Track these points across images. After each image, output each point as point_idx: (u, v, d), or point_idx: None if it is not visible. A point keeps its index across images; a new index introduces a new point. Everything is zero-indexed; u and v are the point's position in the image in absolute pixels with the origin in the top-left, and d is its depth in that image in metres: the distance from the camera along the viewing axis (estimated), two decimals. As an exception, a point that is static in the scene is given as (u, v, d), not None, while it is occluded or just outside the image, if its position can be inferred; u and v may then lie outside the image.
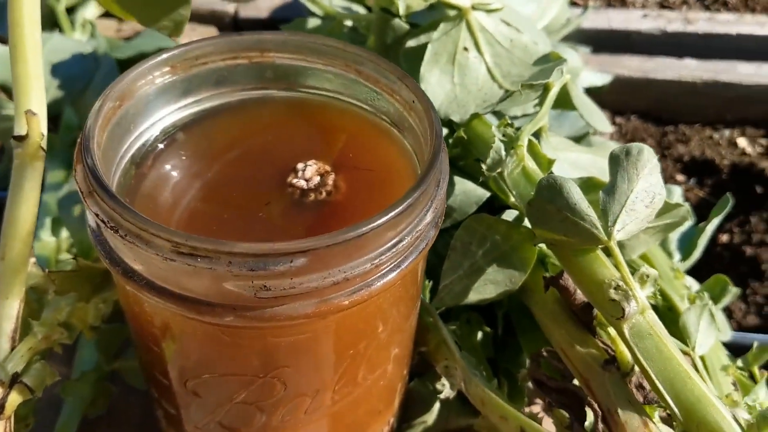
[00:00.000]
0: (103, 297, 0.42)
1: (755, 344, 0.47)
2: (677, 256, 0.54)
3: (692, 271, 0.54)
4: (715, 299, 0.49)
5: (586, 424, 0.38)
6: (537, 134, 0.47)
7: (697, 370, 0.41)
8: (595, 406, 0.37)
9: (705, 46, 0.81)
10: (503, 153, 0.42)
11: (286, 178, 0.37)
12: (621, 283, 0.36)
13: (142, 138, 0.38)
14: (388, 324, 0.35)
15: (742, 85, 0.78)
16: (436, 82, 0.48)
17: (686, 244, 0.54)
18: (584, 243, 0.37)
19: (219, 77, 0.40)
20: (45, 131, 0.37)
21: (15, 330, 0.36)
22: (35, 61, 0.38)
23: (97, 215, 0.30)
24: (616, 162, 0.38)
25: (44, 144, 0.37)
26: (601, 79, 0.73)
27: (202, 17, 0.85)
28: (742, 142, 0.79)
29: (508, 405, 0.39)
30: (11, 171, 0.37)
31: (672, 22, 0.83)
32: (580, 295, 0.40)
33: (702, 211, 0.64)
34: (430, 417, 0.46)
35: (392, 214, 0.29)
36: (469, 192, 0.46)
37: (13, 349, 0.36)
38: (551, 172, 0.43)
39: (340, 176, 0.37)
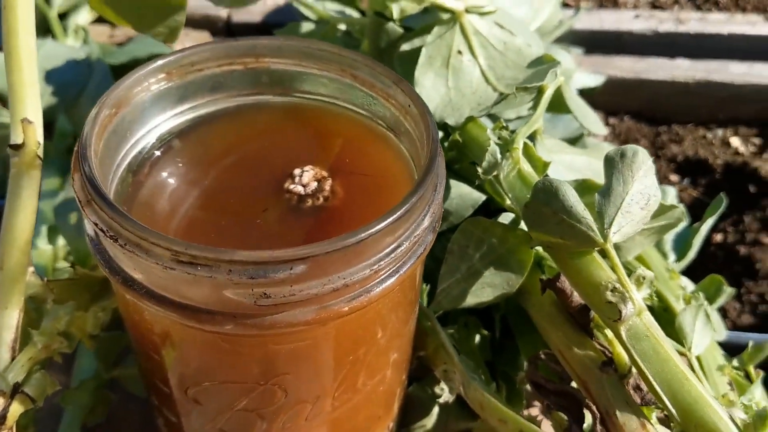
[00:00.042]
0: (101, 305, 0.42)
1: (750, 344, 0.47)
2: (672, 256, 0.54)
3: (687, 271, 0.55)
4: (711, 299, 0.49)
5: (585, 426, 0.38)
6: (532, 137, 0.47)
7: (693, 370, 0.41)
8: (594, 408, 0.37)
9: (697, 46, 0.82)
10: (499, 156, 0.42)
11: (283, 183, 0.37)
12: (617, 285, 0.36)
13: (138, 145, 0.38)
14: (387, 329, 0.35)
15: (735, 84, 0.78)
16: (431, 86, 0.48)
17: (681, 245, 0.55)
18: (580, 245, 0.38)
19: (214, 83, 0.40)
20: (41, 140, 0.37)
21: (15, 340, 0.36)
22: (30, 70, 0.38)
23: (95, 224, 0.30)
24: (611, 164, 0.38)
25: (41, 152, 0.37)
26: (594, 81, 0.73)
27: (195, 22, 0.85)
28: (735, 141, 0.79)
29: (507, 408, 0.39)
30: (8, 179, 0.37)
31: (664, 22, 0.83)
32: (577, 298, 0.40)
33: (696, 211, 0.64)
34: (429, 421, 0.46)
35: (390, 219, 0.29)
36: (465, 195, 0.46)
37: (13, 359, 0.36)
38: (547, 175, 0.43)
39: (337, 181, 0.37)
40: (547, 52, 0.50)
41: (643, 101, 0.81)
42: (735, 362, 0.47)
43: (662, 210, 0.42)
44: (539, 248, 0.43)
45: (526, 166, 0.42)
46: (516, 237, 0.43)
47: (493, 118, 0.50)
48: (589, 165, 0.49)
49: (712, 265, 0.69)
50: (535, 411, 0.49)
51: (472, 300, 0.43)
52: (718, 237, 0.71)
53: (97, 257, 0.32)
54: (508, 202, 0.44)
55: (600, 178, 0.42)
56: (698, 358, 0.43)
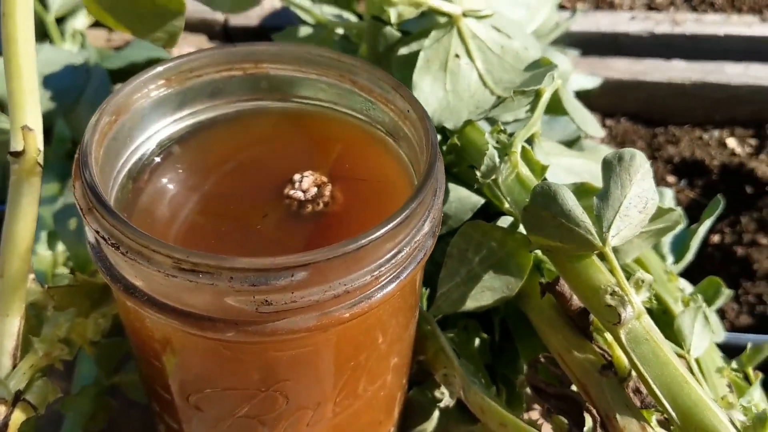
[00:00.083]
0: (102, 312, 0.42)
1: (749, 345, 0.47)
2: (670, 258, 0.55)
3: (684, 272, 0.55)
4: (709, 301, 0.50)
5: (585, 429, 0.39)
6: (530, 140, 0.47)
7: (692, 373, 0.41)
8: (594, 411, 0.37)
9: (693, 47, 0.82)
10: (497, 160, 0.42)
11: (283, 189, 0.37)
12: (617, 288, 0.37)
13: (138, 152, 0.38)
14: (387, 335, 0.35)
15: (731, 85, 0.79)
16: (429, 90, 0.48)
17: (679, 247, 0.55)
18: (579, 249, 0.38)
19: (214, 89, 0.40)
20: (41, 147, 0.37)
21: (16, 347, 0.36)
22: (30, 77, 0.38)
23: (97, 232, 0.30)
24: (608, 168, 0.38)
25: (41, 159, 0.37)
26: (590, 82, 0.74)
27: (192, 26, 0.85)
28: (732, 142, 0.80)
29: (508, 412, 0.39)
30: (8, 185, 0.38)
31: (660, 23, 0.84)
32: (576, 301, 0.40)
33: (693, 212, 0.64)
34: (430, 425, 0.46)
35: (391, 225, 0.29)
36: (463, 199, 0.47)
37: (14, 366, 0.36)
38: (545, 179, 0.43)
39: (336, 187, 0.37)
40: (544, 55, 0.50)
41: (639, 103, 0.81)
42: (734, 364, 0.47)
43: (660, 213, 0.42)
44: (538, 252, 0.43)
45: (524, 170, 0.42)
46: (515, 240, 0.43)
47: (490, 121, 0.51)
48: (586, 168, 0.49)
49: (709, 266, 0.69)
50: (535, 414, 0.49)
51: (471, 304, 0.43)
52: (716, 238, 0.71)
53: (99, 264, 0.32)
54: (507, 205, 0.44)
55: (598, 181, 0.42)
56: (697, 360, 0.44)
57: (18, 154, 0.37)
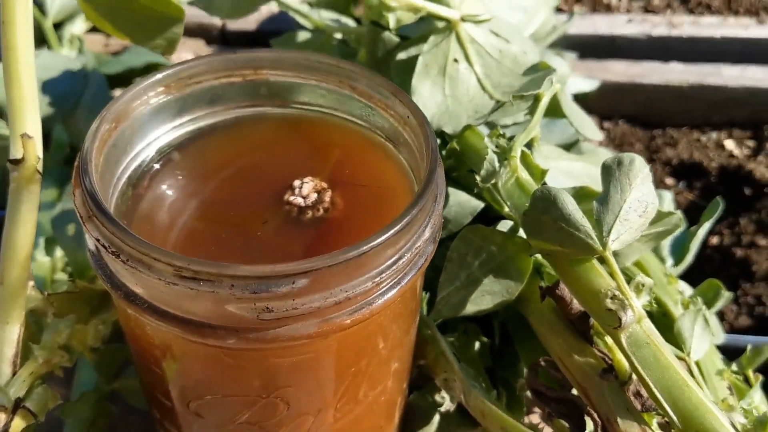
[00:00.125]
0: (102, 318, 0.42)
1: (749, 347, 0.47)
2: (670, 261, 0.55)
3: (683, 274, 0.55)
4: (709, 304, 0.50)
5: (586, 432, 0.39)
6: (529, 144, 0.47)
7: (692, 375, 0.41)
8: (595, 415, 0.37)
9: (690, 49, 0.82)
10: (496, 164, 0.42)
11: (283, 195, 0.37)
12: (617, 292, 0.37)
13: (138, 159, 0.38)
14: (388, 340, 0.35)
15: (728, 87, 0.79)
16: (428, 94, 0.48)
17: (678, 249, 0.55)
18: (579, 253, 0.38)
19: (213, 96, 0.40)
20: (41, 154, 0.37)
21: (16, 354, 0.36)
22: (30, 85, 0.38)
23: (97, 240, 0.30)
24: (608, 172, 0.39)
25: (40, 167, 0.37)
26: (588, 85, 0.74)
27: (190, 30, 0.85)
28: (730, 144, 0.80)
29: (509, 416, 0.40)
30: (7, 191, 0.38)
31: (657, 26, 0.84)
32: (576, 305, 0.40)
33: (692, 214, 0.64)
34: (430, 429, 0.46)
35: (392, 232, 0.29)
36: (463, 203, 0.47)
37: (14, 373, 0.36)
38: (545, 183, 0.43)
39: (336, 193, 0.37)
40: (542, 58, 0.50)
41: (637, 105, 0.81)
42: (734, 366, 0.47)
43: (660, 216, 0.42)
44: (538, 255, 0.43)
45: (524, 174, 0.42)
46: (515, 244, 0.43)
47: (489, 125, 0.51)
48: (585, 171, 0.49)
49: (708, 268, 0.69)
50: (535, 418, 0.49)
51: (471, 308, 0.43)
52: (715, 240, 0.72)
53: (99, 272, 0.32)
54: (507, 209, 0.44)
55: (597, 184, 0.42)
56: (697, 363, 0.44)
57: (17, 162, 0.37)
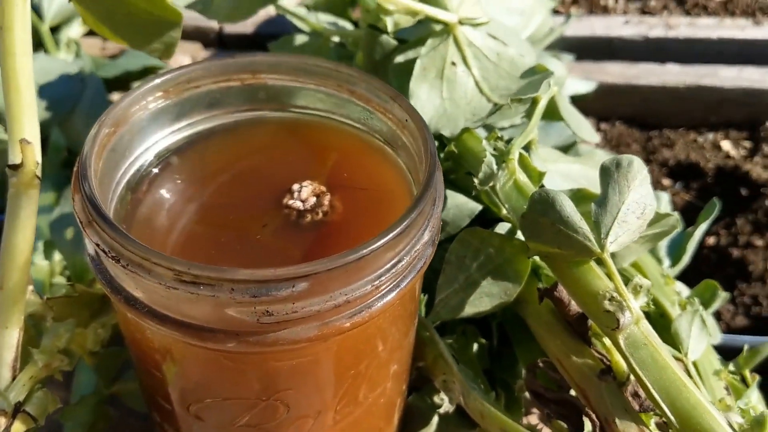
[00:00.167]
0: (101, 322, 0.42)
1: (745, 347, 0.48)
2: (666, 261, 0.55)
3: (680, 275, 0.55)
4: (706, 304, 0.50)
5: (585, 433, 0.39)
6: (527, 147, 0.47)
7: (690, 375, 0.41)
8: (593, 415, 0.38)
9: (686, 50, 0.83)
10: (495, 167, 0.43)
11: (282, 199, 0.37)
12: (615, 294, 0.37)
13: (136, 163, 0.38)
14: (387, 342, 0.36)
15: (725, 88, 0.79)
16: (426, 97, 0.48)
17: (675, 250, 0.55)
18: (578, 255, 0.38)
19: (211, 100, 0.40)
20: (40, 159, 0.37)
21: (15, 359, 0.36)
22: (28, 89, 0.38)
23: (97, 245, 0.30)
24: (606, 174, 0.39)
25: (39, 172, 0.37)
26: (585, 87, 0.74)
27: (186, 33, 0.85)
28: (726, 144, 0.80)
29: (508, 418, 0.40)
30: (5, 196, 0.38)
31: (653, 27, 0.84)
32: (574, 306, 0.40)
33: (689, 215, 0.65)
34: (429, 431, 0.46)
35: (391, 235, 0.29)
36: (461, 205, 0.47)
37: (14, 378, 0.36)
38: (542, 185, 0.43)
39: (335, 196, 0.37)
40: (539, 61, 0.50)
41: (634, 106, 0.82)
42: (731, 366, 0.47)
43: (657, 218, 0.43)
44: (536, 257, 0.44)
45: (522, 177, 0.43)
46: (513, 247, 0.43)
47: (487, 127, 0.51)
48: (583, 173, 0.50)
49: (705, 268, 0.69)
50: (533, 419, 0.49)
51: (470, 310, 0.43)
52: (711, 240, 0.72)
53: (99, 276, 0.32)
54: (505, 212, 0.44)
55: (595, 186, 0.42)
56: (694, 363, 0.44)
57: (16, 167, 0.37)
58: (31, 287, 0.38)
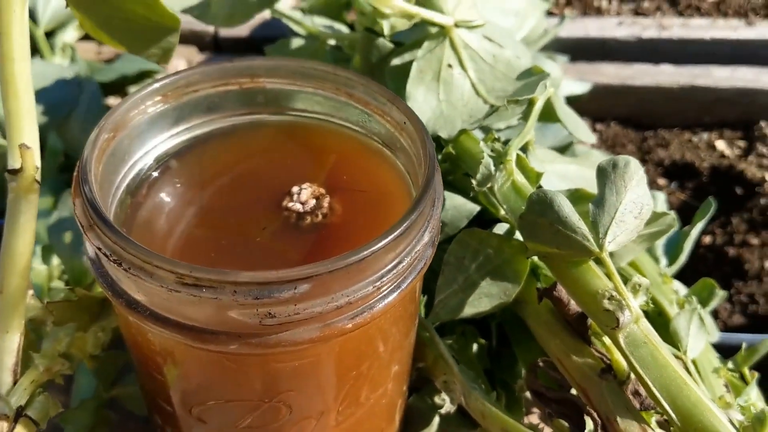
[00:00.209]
0: (101, 325, 0.42)
1: (744, 345, 0.48)
2: (664, 261, 0.55)
3: (677, 274, 0.55)
4: (703, 303, 0.50)
5: (586, 432, 0.39)
6: (524, 148, 0.47)
7: (689, 374, 0.42)
8: (594, 414, 0.38)
9: (680, 51, 0.83)
10: (492, 168, 0.43)
11: (281, 202, 0.37)
12: (614, 293, 0.37)
13: (136, 167, 0.38)
14: (389, 343, 0.36)
15: (719, 88, 0.80)
16: (423, 100, 0.48)
17: (672, 249, 0.55)
18: (576, 255, 0.38)
19: (210, 104, 0.40)
20: (39, 164, 0.38)
21: (16, 363, 0.36)
22: (27, 94, 0.38)
23: (99, 249, 0.30)
24: (603, 174, 0.39)
25: (38, 176, 0.38)
26: (580, 88, 0.74)
27: (182, 37, 0.84)
28: (721, 144, 0.80)
29: (509, 417, 0.40)
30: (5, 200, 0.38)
31: (647, 28, 0.84)
32: (573, 306, 0.41)
33: (684, 214, 0.65)
34: (430, 431, 0.46)
35: (392, 236, 0.30)
36: (459, 206, 0.47)
37: (15, 382, 0.36)
38: (540, 186, 0.44)
39: (335, 198, 0.37)
40: (534, 62, 0.51)
41: (629, 107, 0.82)
42: (729, 364, 0.47)
43: (654, 217, 0.43)
44: (535, 258, 0.44)
45: (519, 178, 0.43)
46: (511, 247, 0.43)
47: (484, 129, 0.51)
48: (580, 174, 0.50)
49: (701, 267, 0.70)
50: (534, 419, 0.49)
51: (469, 310, 0.43)
52: (707, 239, 0.72)
53: (100, 280, 0.32)
54: (503, 212, 0.44)
55: (591, 187, 0.42)
56: (694, 362, 0.44)
57: (16, 172, 0.37)
58: (31, 291, 0.38)
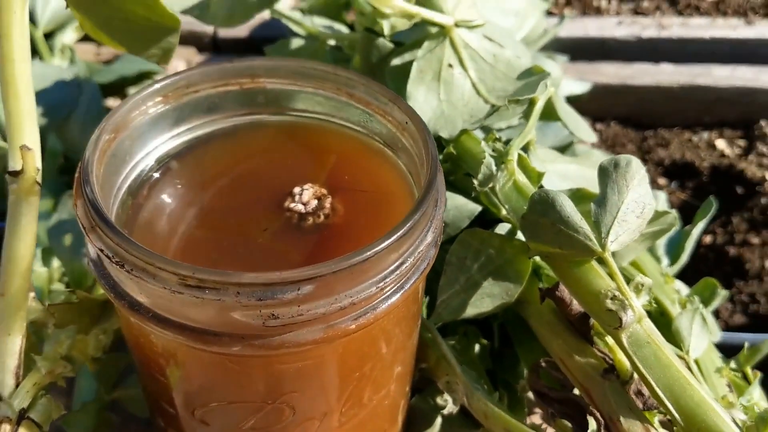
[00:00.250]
0: (102, 328, 0.42)
1: (746, 345, 0.48)
2: (665, 260, 0.55)
3: (678, 273, 0.55)
4: (705, 302, 0.50)
5: (589, 432, 0.39)
6: (525, 147, 0.47)
7: (692, 373, 0.42)
8: (597, 414, 0.38)
9: (680, 50, 0.83)
10: (494, 168, 0.43)
11: (283, 202, 0.37)
12: (617, 293, 0.37)
13: (137, 168, 0.38)
14: (391, 344, 0.36)
15: (719, 87, 0.80)
16: (423, 100, 0.48)
17: (674, 249, 0.55)
18: (579, 255, 0.38)
19: (210, 104, 0.40)
20: (40, 165, 0.37)
21: (18, 366, 0.36)
22: (28, 95, 0.38)
23: (101, 250, 0.30)
24: (605, 174, 0.39)
25: (39, 178, 0.37)
26: (580, 88, 0.74)
27: (181, 38, 0.84)
28: (721, 143, 0.80)
29: (512, 418, 0.40)
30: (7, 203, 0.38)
31: (646, 28, 0.84)
32: (576, 306, 0.40)
33: (685, 214, 0.65)
34: (433, 432, 0.46)
35: (395, 237, 0.30)
36: (461, 206, 0.47)
37: (17, 385, 0.36)
38: (542, 186, 0.44)
39: (336, 199, 0.37)
40: (534, 62, 0.51)
41: (629, 106, 0.82)
42: (732, 364, 0.47)
43: (655, 216, 0.43)
44: (537, 258, 0.44)
45: (521, 177, 0.43)
46: (513, 247, 0.43)
47: (484, 129, 0.51)
48: (581, 173, 0.50)
49: (702, 267, 0.70)
50: (536, 419, 0.49)
51: (471, 311, 0.43)
52: (708, 238, 0.72)
53: (102, 282, 0.32)
54: (504, 212, 0.44)
55: (592, 186, 0.42)
56: (696, 361, 0.44)
57: (16, 174, 0.37)
58: (32, 294, 0.38)
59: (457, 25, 0.49)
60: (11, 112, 0.37)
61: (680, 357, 0.43)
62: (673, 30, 0.84)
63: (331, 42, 0.63)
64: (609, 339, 0.39)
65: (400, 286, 0.32)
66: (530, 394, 0.45)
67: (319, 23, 0.66)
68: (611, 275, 0.38)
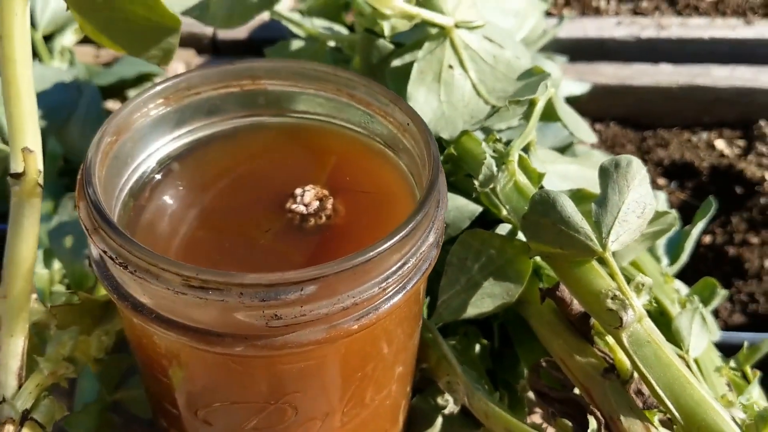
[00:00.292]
0: (104, 329, 0.42)
1: (745, 344, 0.48)
2: (665, 260, 0.55)
3: (678, 273, 0.55)
4: (705, 302, 0.50)
5: (589, 431, 0.39)
6: (525, 148, 0.48)
7: (692, 372, 0.42)
8: (597, 414, 0.38)
9: (679, 50, 0.83)
10: (495, 169, 0.43)
11: (284, 203, 0.37)
12: (617, 293, 0.37)
13: (139, 170, 0.38)
14: (393, 344, 0.36)
15: (718, 87, 0.80)
16: (424, 101, 0.49)
17: (673, 249, 0.55)
18: (579, 255, 0.38)
19: (211, 106, 0.40)
20: (42, 168, 0.38)
21: (21, 367, 0.37)
22: (29, 98, 0.38)
23: (104, 252, 0.30)
24: (606, 174, 0.39)
25: (41, 180, 0.38)
26: (580, 88, 0.74)
27: (180, 40, 0.85)
28: (720, 143, 0.81)
29: (512, 417, 0.40)
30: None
31: (645, 28, 0.85)
32: (576, 306, 0.41)
33: (684, 214, 0.65)
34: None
35: (397, 237, 0.30)
36: (462, 207, 0.47)
37: (20, 386, 0.36)
38: (542, 186, 0.44)
39: (338, 200, 0.37)
40: (534, 62, 0.51)
41: (628, 107, 0.82)
42: (731, 363, 0.48)
43: (656, 216, 0.43)
44: (537, 258, 0.44)
45: (521, 178, 0.43)
46: (514, 248, 0.43)
47: (485, 129, 0.51)
48: (581, 174, 0.50)
49: (702, 267, 0.70)
50: (536, 418, 0.49)
51: (472, 311, 0.43)
52: (707, 238, 0.72)
53: (105, 283, 0.32)
54: (505, 213, 0.44)
55: (593, 186, 0.42)
56: (696, 360, 0.44)
57: (18, 176, 0.37)
58: (34, 295, 0.38)
59: (457, 26, 0.49)
60: (13, 114, 0.37)
61: (680, 356, 0.43)
62: (672, 30, 0.84)
63: (331, 43, 0.63)
64: (609, 338, 0.40)
65: (402, 287, 0.32)
66: (531, 394, 0.45)
67: (318, 24, 0.66)
68: (612, 275, 0.38)
